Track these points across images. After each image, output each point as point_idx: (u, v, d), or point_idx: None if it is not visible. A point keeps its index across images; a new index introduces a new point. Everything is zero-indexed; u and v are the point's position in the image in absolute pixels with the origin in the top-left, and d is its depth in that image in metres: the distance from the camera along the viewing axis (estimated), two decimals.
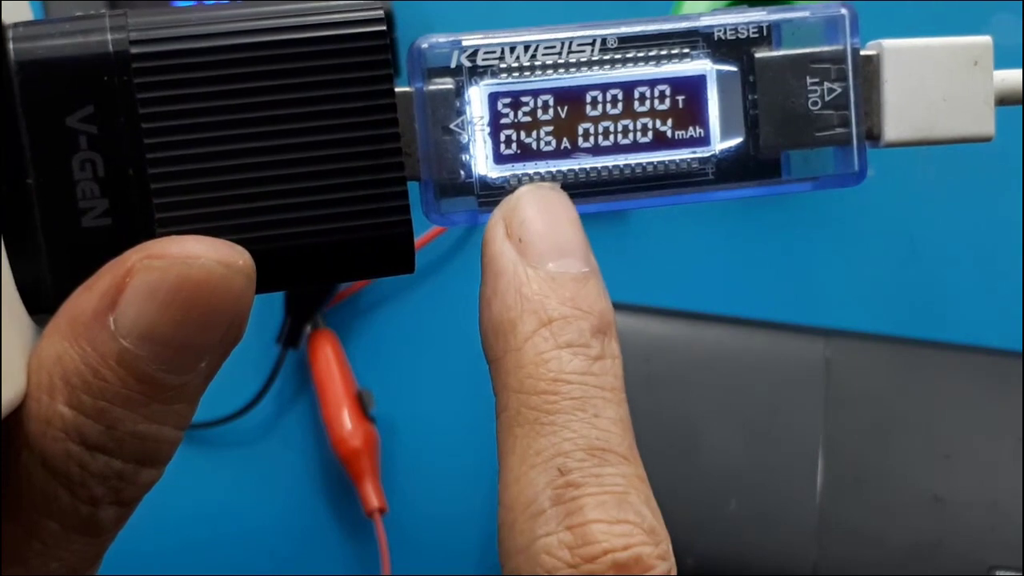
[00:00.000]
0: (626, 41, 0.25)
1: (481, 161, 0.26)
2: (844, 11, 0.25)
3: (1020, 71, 0.26)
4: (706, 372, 0.55)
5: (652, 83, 0.25)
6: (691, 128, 0.26)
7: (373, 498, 0.56)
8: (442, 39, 0.25)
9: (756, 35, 0.25)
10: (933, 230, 0.60)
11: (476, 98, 0.25)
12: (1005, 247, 0.59)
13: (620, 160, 0.26)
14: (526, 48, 0.25)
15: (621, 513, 0.22)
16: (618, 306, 0.55)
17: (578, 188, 0.26)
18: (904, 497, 0.53)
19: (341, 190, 0.24)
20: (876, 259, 0.60)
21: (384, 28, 0.24)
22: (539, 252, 0.24)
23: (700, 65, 0.25)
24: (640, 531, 0.22)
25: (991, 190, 0.60)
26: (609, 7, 0.55)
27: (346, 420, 0.57)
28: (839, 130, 0.26)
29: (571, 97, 0.25)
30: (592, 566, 0.22)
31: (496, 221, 0.25)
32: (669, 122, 0.26)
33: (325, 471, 0.59)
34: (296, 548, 0.58)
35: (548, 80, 0.25)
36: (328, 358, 0.59)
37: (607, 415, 0.23)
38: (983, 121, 0.26)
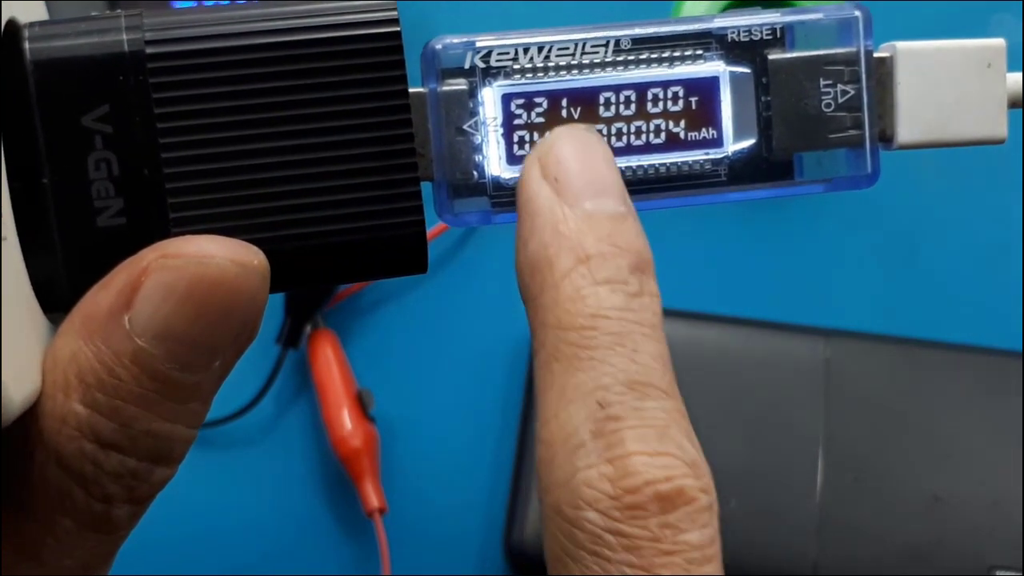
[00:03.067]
0: (640, 42, 0.25)
1: (494, 162, 0.26)
2: (858, 13, 0.25)
3: (1020, 74, 0.26)
4: (706, 372, 0.55)
5: (665, 84, 0.25)
6: (704, 129, 0.26)
7: (373, 498, 0.56)
8: (456, 40, 0.25)
9: (769, 37, 0.26)
10: (933, 230, 0.60)
11: (489, 99, 0.25)
12: (1005, 247, 0.59)
13: (633, 161, 0.26)
14: (540, 49, 0.25)
15: (662, 446, 0.22)
16: None
17: None
18: (904, 497, 0.53)
19: (355, 190, 0.24)
20: (876, 259, 0.60)
21: (398, 28, 0.24)
22: (575, 191, 0.24)
23: (713, 67, 0.26)
24: (682, 463, 0.22)
25: (991, 190, 0.60)
26: (605, 7, 0.55)
27: (346, 420, 0.57)
28: (852, 132, 0.26)
29: (584, 98, 0.25)
30: (634, 497, 0.22)
31: (532, 162, 0.25)
32: (682, 123, 0.26)
33: (325, 471, 0.59)
34: (296, 548, 0.58)
35: (561, 81, 0.25)
36: (328, 358, 0.59)
37: (647, 350, 0.23)
38: (995, 124, 0.26)
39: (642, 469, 0.22)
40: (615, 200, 0.24)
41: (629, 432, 0.22)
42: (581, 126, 0.25)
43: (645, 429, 0.22)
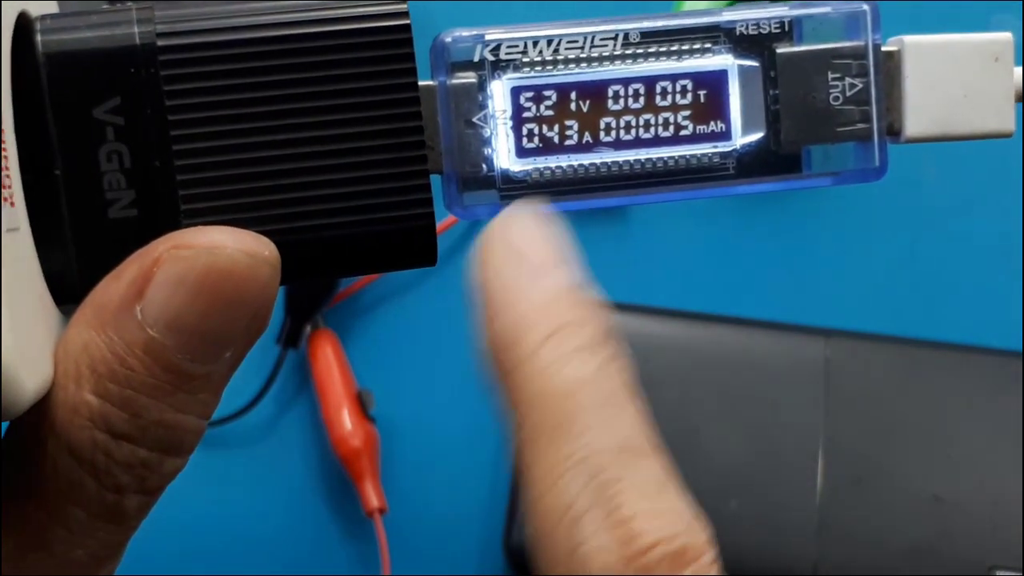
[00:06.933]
0: (648, 36, 0.26)
1: (503, 155, 0.26)
2: (866, 7, 0.26)
3: None
4: (706, 372, 0.55)
5: (674, 78, 0.26)
6: (712, 123, 0.26)
7: (373, 498, 0.56)
8: (465, 33, 0.25)
9: (778, 30, 0.26)
10: (933, 230, 0.60)
11: (499, 92, 0.25)
12: (1005, 247, 0.59)
13: (642, 154, 0.26)
14: (549, 42, 0.25)
15: (662, 504, 0.22)
16: (618, 306, 0.55)
17: (599, 182, 0.26)
18: (904, 497, 0.53)
19: (365, 182, 0.24)
20: (876, 259, 0.60)
21: (408, 22, 0.24)
22: (535, 266, 0.24)
23: (722, 60, 0.26)
24: (683, 520, 0.22)
25: (991, 190, 0.60)
26: (606, 6, 0.55)
27: (346, 420, 0.57)
28: (860, 125, 0.26)
29: (593, 91, 0.26)
30: (644, 559, 0.22)
31: (487, 242, 0.25)
32: (691, 117, 0.26)
33: (325, 471, 0.59)
34: (296, 548, 0.58)
35: (571, 74, 0.25)
36: (328, 358, 0.59)
37: (629, 413, 0.23)
38: (1004, 117, 0.26)
39: (647, 530, 0.22)
40: (570, 273, 0.25)
41: (627, 495, 0.22)
42: (528, 204, 0.26)
43: (642, 490, 0.22)
